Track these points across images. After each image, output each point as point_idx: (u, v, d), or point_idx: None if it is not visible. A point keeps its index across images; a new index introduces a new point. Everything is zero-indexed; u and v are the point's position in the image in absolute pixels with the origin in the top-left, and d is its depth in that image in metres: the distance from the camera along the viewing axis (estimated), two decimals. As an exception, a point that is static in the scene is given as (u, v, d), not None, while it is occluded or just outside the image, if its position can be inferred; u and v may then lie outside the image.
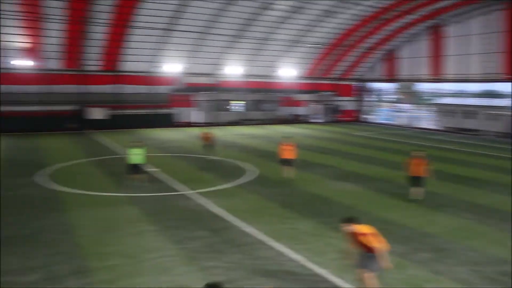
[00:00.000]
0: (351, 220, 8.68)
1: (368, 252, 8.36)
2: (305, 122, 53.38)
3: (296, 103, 53.93)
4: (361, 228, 8.50)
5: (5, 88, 37.12)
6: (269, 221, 13.50)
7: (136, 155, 17.52)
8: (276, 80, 50.63)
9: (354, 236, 8.52)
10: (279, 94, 52.32)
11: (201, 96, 47.83)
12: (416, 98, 52.66)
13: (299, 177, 19.52)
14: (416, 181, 15.99)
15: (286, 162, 19.30)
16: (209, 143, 25.12)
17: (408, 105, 52.42)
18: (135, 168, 17.60)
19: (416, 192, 16.05)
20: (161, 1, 34.94)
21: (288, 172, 19.32)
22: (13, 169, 21.19)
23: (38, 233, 12.07)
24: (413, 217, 14.10)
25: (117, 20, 35.89)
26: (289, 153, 19.30)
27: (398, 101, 53.70)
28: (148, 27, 37.02)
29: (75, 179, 19.15)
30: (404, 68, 50.33)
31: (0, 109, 36.89)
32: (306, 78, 52.60)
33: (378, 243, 8.28)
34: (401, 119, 52.60)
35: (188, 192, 17.04)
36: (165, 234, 12.17)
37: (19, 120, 37.33)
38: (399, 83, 52.32)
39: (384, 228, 12.74)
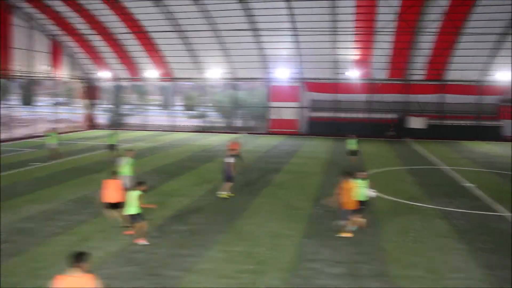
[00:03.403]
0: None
1: None
2: None
3: None
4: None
5: (339, 96, 41.85)
6: None
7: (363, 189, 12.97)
8: None
9: None
10: None
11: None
12: None
13: None
14: None
15: None
16: None
17: None
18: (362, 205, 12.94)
19: None
20: (497, 4, 32.19)
21: None
22: (337, 170, 23.34)
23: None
24: None
25: (447, 28, 35.04)
26: None
27: None
28: (481, 33, 34.73)
29: (388, 185, 19.76)
30: None
31: (336, 115, 41.95)
32: None
33: None
34: None
35: (507, 214, 15.32)
36: (475, 255, 11.31)
37: (346, 125, 41.09)
38: None
39: None
